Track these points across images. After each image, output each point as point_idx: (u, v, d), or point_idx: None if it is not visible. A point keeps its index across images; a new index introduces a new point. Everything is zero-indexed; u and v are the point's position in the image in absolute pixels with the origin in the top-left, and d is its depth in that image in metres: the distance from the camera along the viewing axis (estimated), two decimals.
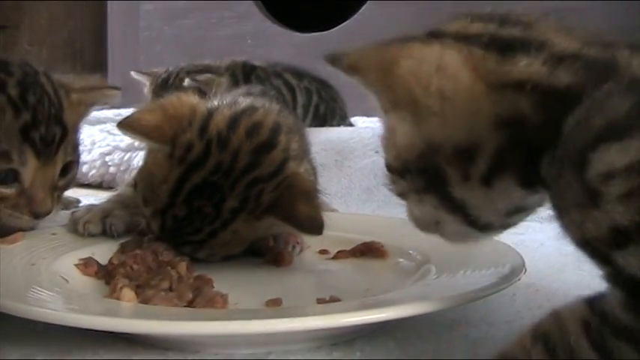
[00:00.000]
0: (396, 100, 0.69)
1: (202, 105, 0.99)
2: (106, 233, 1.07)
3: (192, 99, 1.00)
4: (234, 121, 0.97)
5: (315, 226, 0.94)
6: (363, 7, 2.73)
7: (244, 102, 1.01)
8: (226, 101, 1.01)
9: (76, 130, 1.17)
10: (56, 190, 1.12)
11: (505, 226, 0.73)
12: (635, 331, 0.55)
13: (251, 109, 1.00)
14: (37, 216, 1.09)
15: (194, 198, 0.94)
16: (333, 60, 0.77)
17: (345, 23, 2.77)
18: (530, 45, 0.65)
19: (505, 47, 0.66)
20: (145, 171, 0.99)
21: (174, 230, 0.96)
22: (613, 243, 0.56)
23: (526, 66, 0.64)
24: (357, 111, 2.47)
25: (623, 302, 0.56)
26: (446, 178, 0.67)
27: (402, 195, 0.75)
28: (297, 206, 0.94)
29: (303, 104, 2.10)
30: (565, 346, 0.58)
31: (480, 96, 0.65)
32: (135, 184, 1.02)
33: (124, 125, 0.97)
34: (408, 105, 0.68)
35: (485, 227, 0.72)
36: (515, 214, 0.72)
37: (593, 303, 0.59)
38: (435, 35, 0.71)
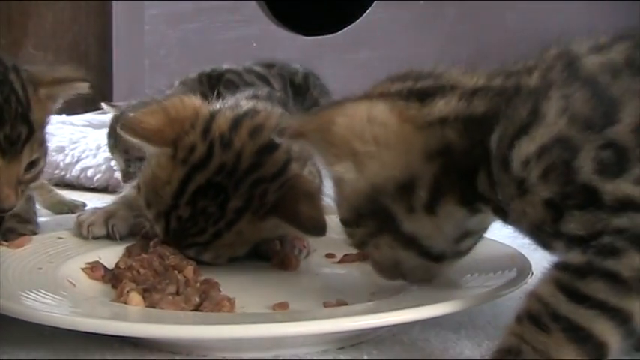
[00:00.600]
0: (338, 153, 0.77)
1: (205, 108, 1.00)
2: (110, 236, 1.07)
3: (195, 101, 1.01)
4: (236, 123, 0.98)
5: (318, 228, 0.95)
6: (368, 11, 2.73)
7: (246, 105, 1.03)
8: (228, 104, 1.01)
9: (43, 126, 1.15)
10: (21, 185, 1.11)
11: (458, 254, 0.81)
12: (594, 266, 0.61)
13: (253, 112, 1.01)
14: (1, 211, 1.08)
15: (198, 199, 0.94)
16: (280, 133, 0.85)
17: (350, 27, 2.77)
18: (444, 88, 0.76)
19: (423, 95, 0.76)
20: (147, 174, 0.99)
21: (178, 232, 0.96)
22: (551, 218, 0.65)
23: (445, 104, 0.75)
24: None
25: (580, 250, 0.63)
26: (393, 215, 0.76)
27: (360, 245, 0.83)
28: (300, 208, 0.94)
29: (280, 88, 2.08)
30: (547, 311, 0.62)
31: (408, 136, 0.75)
32: (138, 187, 1.02)
33: (126, 128, 0.98)
34: (348, 156, 0.76)
35: (439, 257, 0.79)
36: (464, 239, 0.79)
37: (557, 264, 0.65)
38: (362, 97, 0.81)
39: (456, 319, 0.82)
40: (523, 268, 0.86)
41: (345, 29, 2.78)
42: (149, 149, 0.98)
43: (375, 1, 2.70)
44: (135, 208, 1.07)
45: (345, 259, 1.02)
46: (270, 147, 0.97)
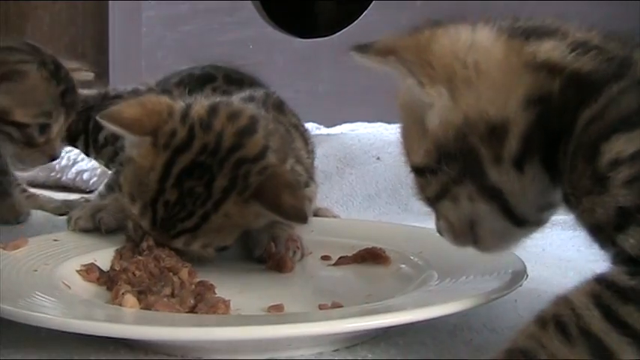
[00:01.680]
0: (434, 75, 0.70)
1: (178, 102, 1.03)
2: (98, 229, 1.09)
3: (168, 99, 1.04)
4: (213, 108, 1.00)
5: (300, 216, 0.96)
6: (364, 13, 2.73)
7: (219, 98, 1.06)
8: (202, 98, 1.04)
9: None
10: None
11: (538, 223, 0.75)
12: None
13: (228, 101, 1.04)
14: (53, 158, 1.50)
15: (184, 180, 0.95)
16: (362, 48, 0.77)
17: (346, 29, 2.77)
18: (555, 32, 0.70)
19: (530, 33, 0.71)
20: (129, 168, 1.00)
21: (166, 220, 0.96)
22: (617, 225, 0.61)
23: (552, 48, 0.68)
24: (359, 117, 2.47)
25: (628, 271, 0.60)
26: (480, 160, 0.69)
27: (435, 198, 0.75)
28: (282, 196, 0.95)
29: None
30: (578, 323, 0.59)
31: (511, 71, 0.68)
32: (119, 187, 1.03)
33: (106, 117, 0.99)
34: (444, 79, 0.70)
35: (521, 221, 0.73)
36: (546, 210, 0.74)
37: (599, 278, 0.61)
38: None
39: (452, 321, 0.82)
40: (518, 270, 0.86)
41: (341, 31, 2.78)
42: (130, 138, 1.00)
43: (372, 2, 2.70)
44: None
45: (341, 262, 1.02)
46: (249, 129, 1.00)
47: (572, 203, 0.66)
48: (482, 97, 0.69)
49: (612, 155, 0.60)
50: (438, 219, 0.78)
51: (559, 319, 0.61)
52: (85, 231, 1.10)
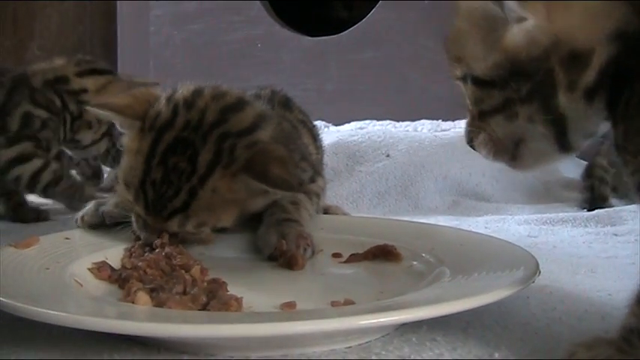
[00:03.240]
0: None
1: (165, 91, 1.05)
2: (104, 224, 1.10)
3: (157, 91, 1.07)
4: (198, 90, 1.03)
5: (288, 186, 0.97)
6: (372, 11, 2.73)
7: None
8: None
9: None
10: None
11: (576, 151, 0.75)
12: None
13: (215, 85, 1.06)
14: None
15: (168, 156, 0.96)
16: None
17: (354, 27, 2.77)
18: None
19: None
20: (123, 159, 1.02)
21: (156, 201, 0.97)
22: None
23: None
24: (367, 115, 2.47)
25: None
26: (555, 85, 0.69)
27: (487, 113, 0.75)
28: (271, 168, 0.96)
29: None
30: None
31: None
32: (117, 178, 1.04)
33: (98, 105, 1.04)
34: None
35: (568, 148, 0.73)
36: (588, 138, 0.74)
37: None
38: None
39: (464, 318, 0.82)
40: (530, 267, 0.86)
41: (350, 29, 2.78)
42: (121, 121, 1.02)
43: (380, 2, 2.70)
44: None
45: (352, 259, 1.02)
46: (235, 107, 1.02)
47: (622, 157, 0.66)
48: (577, 22, 0.68)
49: None
50: (476, 132, 0.79)
51: None
52: (93, 227, 1.10)
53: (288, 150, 1.05)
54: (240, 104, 1.03)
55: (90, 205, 1.13)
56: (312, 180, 1.18)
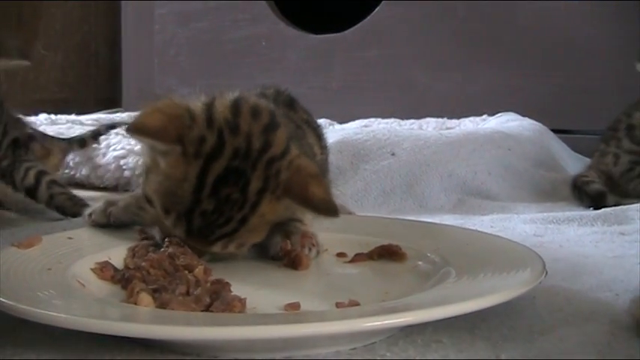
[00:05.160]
0: None
1: (192, 102, 1.00)
2: (111, 225, 1.10)
3: (180, 99, 1.01)
4: (236, 107, 0.98)
5: (331, 209, 0.96)
6: (377, 9, 2.72)
7: (229, 93, 1.03)
8: (213, 95, 1.02)
9: None
10: None
11: None
12: None
13: (243, 96, 1.02)
14: None
15: (220, 188, 0.94)
16: None
17: (358, 25, 2.76)
18: None
19: None
20: (157, 181, 0.97)
21: (203, 228, 0.95)
22: None
23: None
24: (372, 113, 2.46)
25: None
26: None
27: None
28: (310, 188, 0.95)
29: None
30: None
31: None
32: (148, 199, 0.99)
33: (134, 130, 0.96)
34: None
35: None
36: None
37: None
38: None
39: (470, 318, 0.81)
40: (536, 267, 0.85)
41: (354, 27, 2.77)
42: (159, 147, 0.96)
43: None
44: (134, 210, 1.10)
45: (357, 259, 1.02)
46: (272, 125, 0.99)
47: None
48: None
49: None
50: None
51: None
52: (99, 226, 1.10)
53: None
54: (274, 119, 0.99)
55: (100, 204, 1.12)
56: None
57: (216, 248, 0.96)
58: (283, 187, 0.96)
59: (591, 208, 1.60)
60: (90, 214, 1.12)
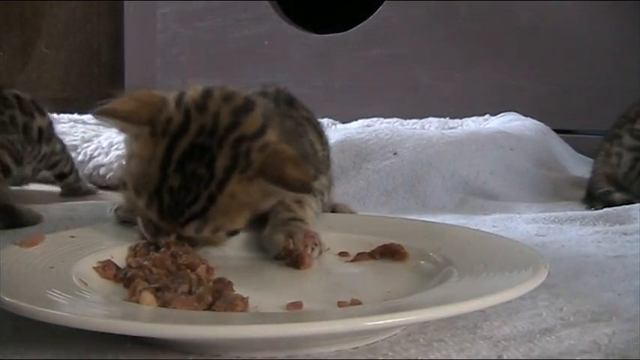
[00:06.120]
0: None
1: (169, 93, 1.03)
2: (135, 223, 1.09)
3: (158, 91, 1.04)
4: (207, 92, 1.01)
5: (305, 187, 0.97)
6: (380, 8, 2.72)
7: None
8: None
9: None
10: None
11: None
12: None
13: (222, 85, 1.04)
14: None
15: (185, 163, 0.95)
16: None
17: (361, 24, 2.76)
18: None
19: None
20: (130, 164, 1.00)
21: (173, 207, 0.96)
22: None
23: None
24: (375, 113, 2.46)
25: None
26: None
27: None
28: (285, 169, 0.96)
29: None
30: None
31: None
32: (123, 183, 1.02)
33: (102, 113, 1.00)
34: None
35: None
36: None
37: None
38: None
39: (471, 318, 0.81)
40: (538, 266, 0.85)
41: (357, 27, 2.77)
42: (129, 130, 1.00)
43: None
44: None
45: (359, 258, 1.01)
46: (245, 108, 1.01)
47: None
48: None
49: None
50: None
51: None
52: (124, 222, 1.10)
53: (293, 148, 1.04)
54: (248, 105, 1.02)
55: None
56: (315, 178, 1.17)
57: (190, 231, 0.97)
58: (258, 169, 0.96)
59: (593, 208, 1.60)
60: (116, 210, 1.12)
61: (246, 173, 0.96)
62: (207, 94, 1.00)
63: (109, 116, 1.00)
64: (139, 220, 1.01)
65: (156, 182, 0.96)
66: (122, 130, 1.02)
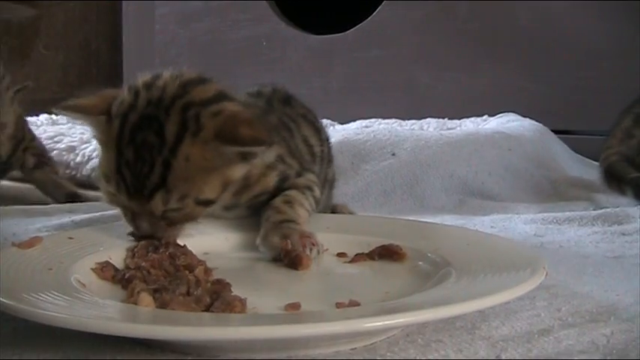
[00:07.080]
0: None
1: None
2: None
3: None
4: (157, 74, 1.03)
5: (258, 142, 0.98)
6: (378, 9, 2.72)
7: None
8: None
9: None
10: None
11: None
12: None
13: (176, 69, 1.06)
14: None
15: (136, 134, 0.97)
16: None
17: (360, 25, 2.76)
18: None
19: None
20: (99, 157, 1.04)
21: (134, 182, 0.97)
22: None
23: None
24: (373, 114, 2.46)
25: None
26: None
27: None
28: (240, 130, 0.97)
29: None
30: None
31: None
32: (97, 178, 1.04)
33: (62, 107, 1.03)
34: None
35: None
36: None
37: None
38: None
39: (470, 318, 0.81)
40: (536, 267, 0.85)
41: (355, 28, 2.77)
42: (89, 121, 1.03)
43: (385, 0, 2.69)
44: None
45: (357, 259, 1.01)
46: (196, 81, 1.03)
47: None
48: None
49: None
50: None
51: None
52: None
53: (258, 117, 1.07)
54: (201, 79, 1.04)
55: None
56: (299, 174, 1.16)
57: (157, 205, 0.97)
58: (213, 132, 0.97)
59: (592, 209, 1.60)
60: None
61: (199, 136, 0.97)
62: (157, 75, 1.03)
63: (68, 110, 1.03)
64: (121, 212, 1.02)
65: (115, 161, 0.98)
66: (83, 122, 1.05)
